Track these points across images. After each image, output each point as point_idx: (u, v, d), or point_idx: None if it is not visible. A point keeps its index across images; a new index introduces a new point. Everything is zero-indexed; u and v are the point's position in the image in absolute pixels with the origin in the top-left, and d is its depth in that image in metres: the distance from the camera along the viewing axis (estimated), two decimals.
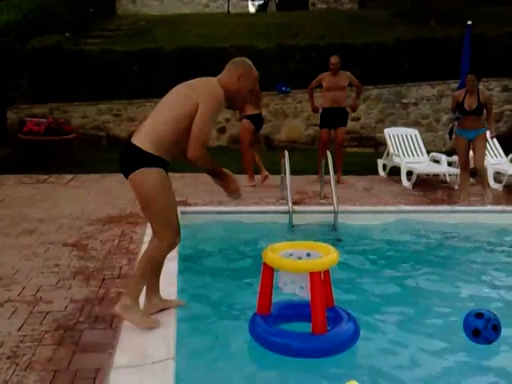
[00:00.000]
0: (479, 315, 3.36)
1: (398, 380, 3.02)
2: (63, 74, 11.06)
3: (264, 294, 3.38)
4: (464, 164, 7.24)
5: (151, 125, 3.13)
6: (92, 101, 11.17)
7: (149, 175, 3.08)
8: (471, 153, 7.22)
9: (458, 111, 7.07)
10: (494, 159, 8.63)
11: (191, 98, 3.09)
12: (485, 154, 7.34)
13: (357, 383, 2.00)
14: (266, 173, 7.84)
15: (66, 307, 3.56)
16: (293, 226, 5.96)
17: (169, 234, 3.15)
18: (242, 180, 7.67)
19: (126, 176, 3.11)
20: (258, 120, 7.91)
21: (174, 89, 3.25)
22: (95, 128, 11.21)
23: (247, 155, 7.88)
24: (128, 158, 3.10)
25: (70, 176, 8.03)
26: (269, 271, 3.34)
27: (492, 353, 3.35)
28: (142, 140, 3.07)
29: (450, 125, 7.59)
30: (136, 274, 3.22)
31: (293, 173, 6.47)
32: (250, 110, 7.78)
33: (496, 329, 3.31)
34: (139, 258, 3.32)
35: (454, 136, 7.36)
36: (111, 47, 11.78)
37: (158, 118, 3.13)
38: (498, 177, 8.25)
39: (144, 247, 4.57)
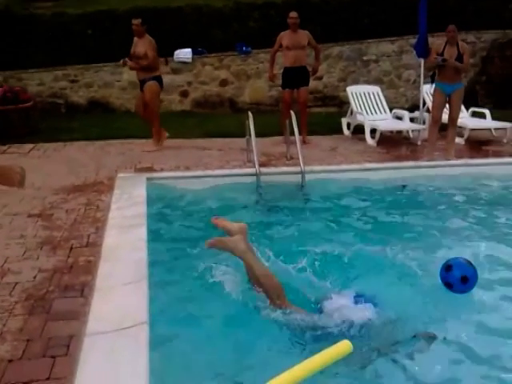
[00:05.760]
0: (470, 263, 3.42)
1: None
2: (15, 39, 10.62)
3: None
4: (436, 119, 7.30)
5: None
6: (47, 67, 10.81)
7: None
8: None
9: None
10: None
11: None
12: (460, 107, 7.45)
13: (349, 343, 1.98)
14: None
15: (34, 277, 3.50)
16: (260, 187, 5.96)
17: None
18: (148, 145, 7.64)
19: None
20: (161, 81, 7.80)
21: None
22: (52, 95, 10.88)
23: (158, 118, 7.68)
24: None
25: (30, 146, 7.81)
26: None
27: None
28: None
29: (431, 72, 7.61)
30: None
31: (258, 135, 6.43)
32: (158, 71, 7.64)
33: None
34: None
35: (433, 89, 7.40)
36: (63, 10, 11.33)
37: None
38: (459, 131, 8.39)
39: (111, 215, 4.55)
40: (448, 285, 3.42)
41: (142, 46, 7.42)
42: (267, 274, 3.22)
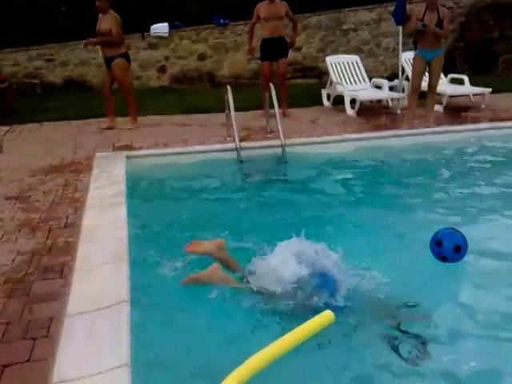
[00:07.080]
0: (456, 231, 3.40)
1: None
2: None
3: None
4: (416, 87, 7.26)
5: None
6: (21, 47, 10.58)
7: None
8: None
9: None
10: None
11: None
12: (440, 73, 7.43)
13: (331, 313, 1.97)
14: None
15: (13, 260, 3.48)
16: (241, 162, 5.94)
17: None
18: (123, 124, 7.56)
19: None
20: (129, 58, 7.64)
21: None
22: (28, 75, 10.69)
23: (132, 95, 7.60)
24: None
25: (5, 128, 7.69)
26: None
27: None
28: None
29: (412, 39, 7.54)
30: None
31: (238, 109, 6.39)
32: (124, 47, 7.52)
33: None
34: None
35: (413, 56, 7.37)
36: None
37: None
38: (438, 98, 8.40)
39: (90, 194, 4.51)
40: (442, 258, 3.38)
41: (107, 22, 7.27)
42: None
